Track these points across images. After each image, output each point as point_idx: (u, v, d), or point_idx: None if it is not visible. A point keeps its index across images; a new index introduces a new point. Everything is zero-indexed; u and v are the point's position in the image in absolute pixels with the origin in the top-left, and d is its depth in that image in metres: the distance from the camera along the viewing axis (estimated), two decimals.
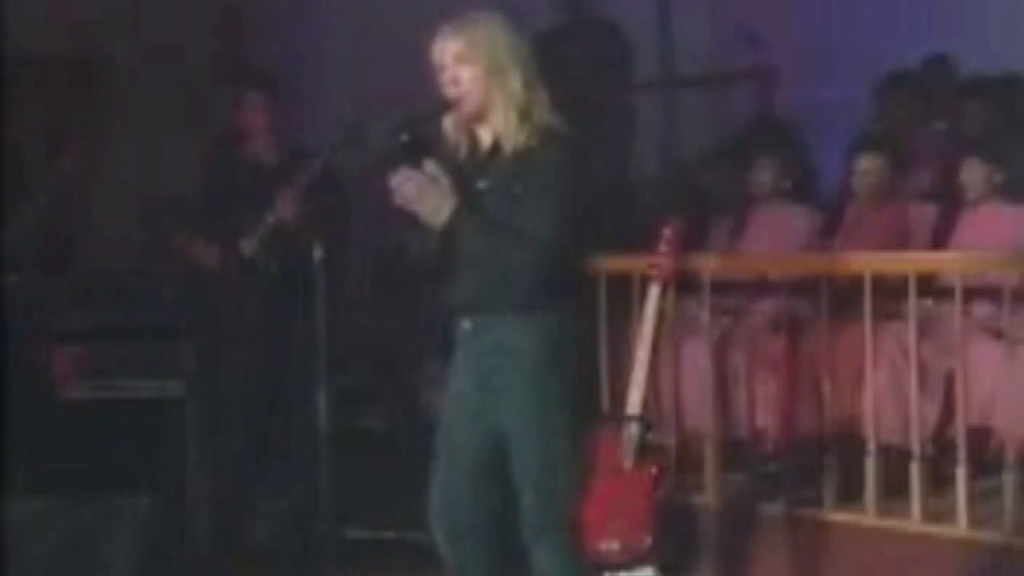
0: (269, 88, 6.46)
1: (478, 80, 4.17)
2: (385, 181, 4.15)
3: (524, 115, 4.18)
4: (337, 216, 6.33)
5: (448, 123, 4.23)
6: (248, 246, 6.27)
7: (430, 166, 4.13)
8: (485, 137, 4.26)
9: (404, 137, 4.15)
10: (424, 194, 4.10)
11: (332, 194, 6.37)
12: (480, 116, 4.22)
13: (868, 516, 5.80)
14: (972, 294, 5.75)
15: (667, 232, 6.07)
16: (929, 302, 5.92)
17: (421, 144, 4.19)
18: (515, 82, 4.17)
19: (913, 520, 5.68)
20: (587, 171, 4.25)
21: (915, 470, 5.68)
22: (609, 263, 6.46)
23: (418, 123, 4.24)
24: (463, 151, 4.25)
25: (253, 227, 6.27)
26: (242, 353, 6.35)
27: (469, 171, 4.21)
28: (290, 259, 6.22)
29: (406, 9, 6.84)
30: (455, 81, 4.18)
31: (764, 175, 6.94)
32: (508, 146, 4.20)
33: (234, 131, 6.52)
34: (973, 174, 6.19)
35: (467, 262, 4.20)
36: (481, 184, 4.19)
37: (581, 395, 4.34)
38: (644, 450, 5.82)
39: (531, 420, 4.16)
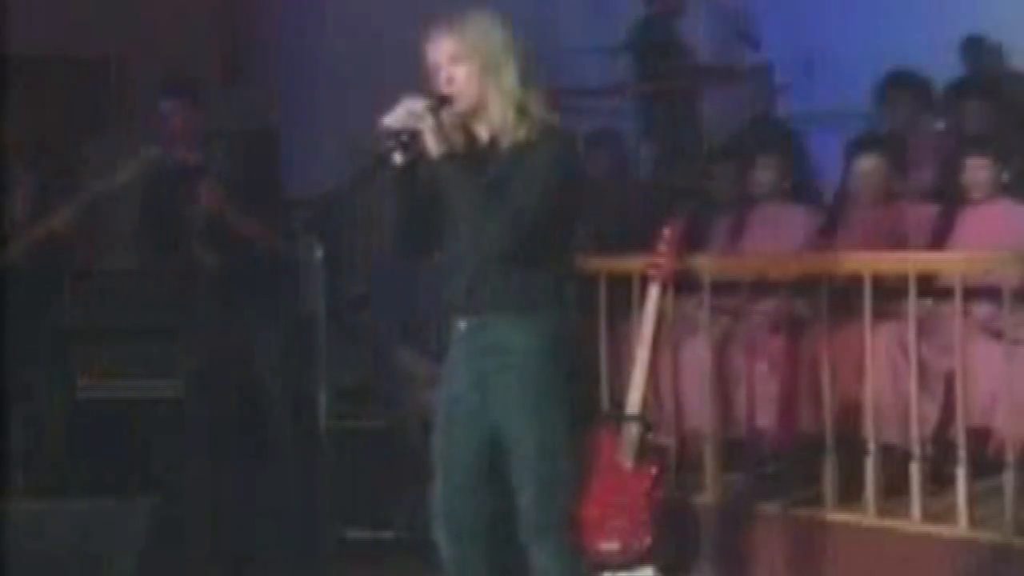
0: (186, 94, 6.51)
1: (473, 78, 4.17)
2: (383, 181, 4.16)
3: (521, 111, 4.17)
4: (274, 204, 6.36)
5: (445, 119, 4.21)
6: (191, 250, 6.30)
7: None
8: (482, 134, 4.25)
9: (403, 137, 4.15)
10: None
11: (260, 179, 6.40)
12: (476, 114, 4.21)
13: (868, 516, 5.80)
14: (972, 294, 5.74)
15: (667, 232, 6.07)
16: (929, 302, 5.92)
17: (420, 143, 4.18)
18: (510, 79, 4.16)
19: (913, 520, 5.68)
20: (582, 168, 4.24)
21: (915, 470, 5.68)
22: (609, 263, 6.46)
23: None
24: (459, 148, 4.24)
25: (189, 227, 6.31)
26: (215, 353, 6.34)
27: (466, 166, 4.19)
28: (233, 254, 6.23)
29: (404, 7, 6.86)
30: (450, 80, 4.18)
31: (764, 175, 6.94)
32: (505, 142, 4.19)
33: (160, 140, 6.55)
34: (980, 173, 6.19)
35: (461, 261, 4.20)
36: (479, 179, 4.17)
37: (580, 395, 4.33)
38: (644, 450, 5.82)
39: (529, 420, 4.16)
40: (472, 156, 4.22)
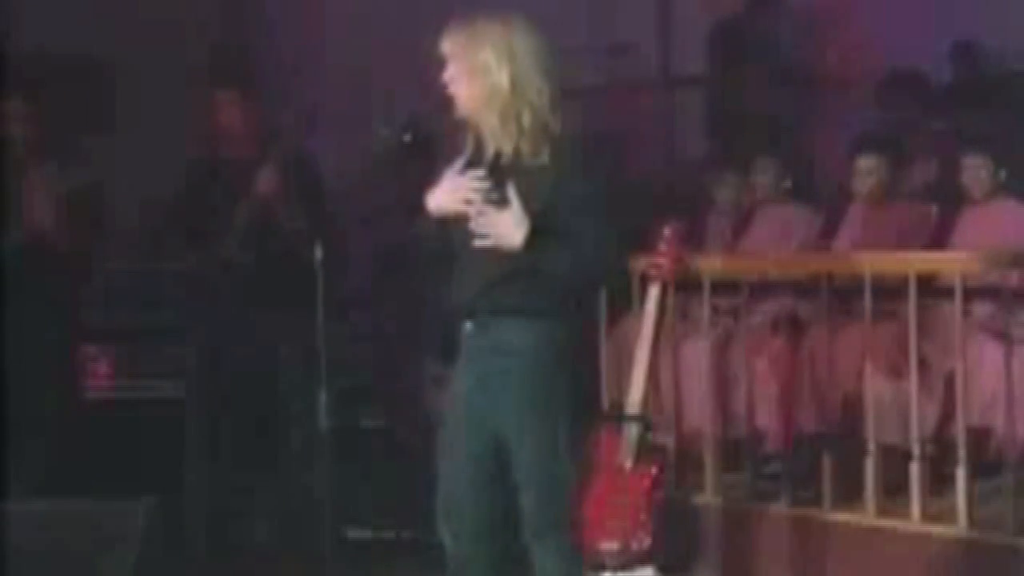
0: (245, 86, 6.44)
1: (463, 80, 4.16)
2: (385, 181, 4.16)
3: (508, 117, 4.13)
4: (319, 206, 6.32)
5: (458, 120, 4.21)
6: (225, 247, 6.27)
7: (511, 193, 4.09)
8: (488, 140, 4.23)
9: (407, 137, 4.13)
10: (497, 221, 4.09)
11: (309, 179, 6.36)
12: (472, 116, 4.20)
13: (868, 516, 5.80)
14: (972, 294, 5.75)
15: (667, 232, 6.07)
16: (930, 302, 5.92)
17: (424, 144, 4.18)
18: (501, 83, 4.11)
19: (913, 520, 5.68)
20: (600, 170, 4.23)
21: (915, 470, 5.68)
22: None
23: (421, 123, 4.22)
24: (468, 150, 4.23)
25: (229, 225, 6.27)
26: (231, 352, 6.35)
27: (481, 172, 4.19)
28: (270, 254, 6.22)
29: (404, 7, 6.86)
30: (449, 79, 4.18)
31: (764, 175, 6.94)
32: (506, 148, 4.16)
33: (212, 131, 6.50)
34: (979, 171, 6.19)
35: (469, 263, 4.20)
36: (494, 194, 4.15)
37: (581, 395, 4.33)
38: (644, 450, 5.81)
39: (531, 421, 4.16)
40: (479, 163, 4.20)
